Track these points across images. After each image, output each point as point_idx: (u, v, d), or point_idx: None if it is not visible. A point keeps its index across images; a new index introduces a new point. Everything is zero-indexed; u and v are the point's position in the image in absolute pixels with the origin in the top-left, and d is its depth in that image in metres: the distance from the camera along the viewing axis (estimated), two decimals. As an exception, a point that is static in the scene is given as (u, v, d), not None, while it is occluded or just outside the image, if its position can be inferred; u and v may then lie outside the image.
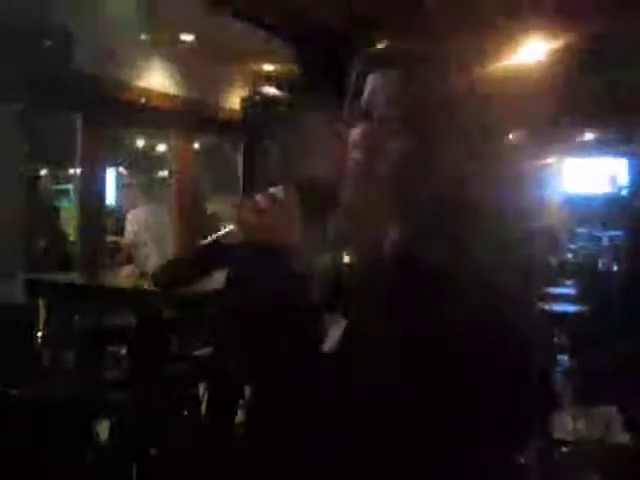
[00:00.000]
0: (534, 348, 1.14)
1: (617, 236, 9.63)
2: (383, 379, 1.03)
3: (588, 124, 10.77)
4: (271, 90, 7.33)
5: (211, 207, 9.91)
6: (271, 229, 1.18)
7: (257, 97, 7.43)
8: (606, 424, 3.16)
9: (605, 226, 10.18)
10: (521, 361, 1.11)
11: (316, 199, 1.28)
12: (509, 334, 1.08)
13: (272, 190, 1.22)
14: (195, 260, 3.41)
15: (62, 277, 5.21)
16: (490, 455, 1.07)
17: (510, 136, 1.23)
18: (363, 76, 1.24)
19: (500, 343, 1.06)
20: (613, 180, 11.86)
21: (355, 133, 1.23)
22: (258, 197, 1.21)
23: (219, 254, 1.32)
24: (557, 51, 5.97)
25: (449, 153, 1.15)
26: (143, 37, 6.03)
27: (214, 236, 1.29)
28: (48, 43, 4.78)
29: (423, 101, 1.17)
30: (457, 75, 1.17)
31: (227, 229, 1.24)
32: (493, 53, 1.25)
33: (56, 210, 7.24)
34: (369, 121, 1.21)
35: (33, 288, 4.73)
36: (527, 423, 1.15)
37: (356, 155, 1.22)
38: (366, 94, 1.23)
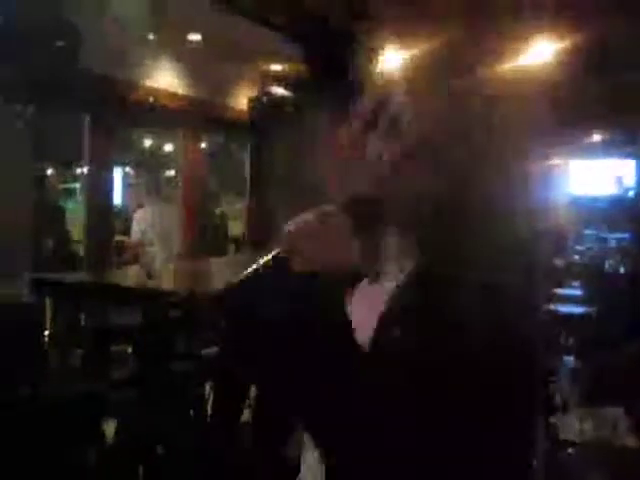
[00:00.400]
0: (539, 350, 1.14)
1: (623, 237, 9.63)
2: (395, 380, 1.04)
3: (594, 125, 10.76)
4: (279, 90, 7.36)
5: (218, 207, 9.94)
6: (324, 256, 1.09)
7: (265, 97, 7.45)
8: (613, 425, 3.15)
9: (611, 227, 10.18)
10: (527, 363, 1.11)
11: (364, 216, 1.15)
12: (515, 336, 1.08)
13: (323, 209, 1.11)
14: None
15: (69, 276, 5.22)
16: (494, 456, 1.07)
17: (517, 138, 1.23)
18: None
19: (505, 345, 1.06)
20: (619, 181, 11.85)
21: (374, 160, 1.22)
22: (308, 217, 1.10)
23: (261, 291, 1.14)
24: (563, 52, 5.96)
25: (464, 169, 1.15)
26: (151, 37, 6.04)
27: (254, 268, 1.11)
28: (57, 43, 4.79)
29: (443, 129, 1.17)
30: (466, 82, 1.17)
31: (268, 257, 1.10)
32: (498, 54, 1.25)
33: (62, 210, 7.25)
34: (389, 143, 1.20)
35: (40, 287, 4.74)
36: (531, 424, 1.15)
37: (370, 187, 1.22)
38: (386, 118, 1.22)
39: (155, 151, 12.32)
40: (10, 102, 4.76)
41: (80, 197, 7.60)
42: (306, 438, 1.23)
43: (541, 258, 1.25)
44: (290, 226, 1.08)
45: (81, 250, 6.50)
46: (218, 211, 9.95)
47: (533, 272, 1.17)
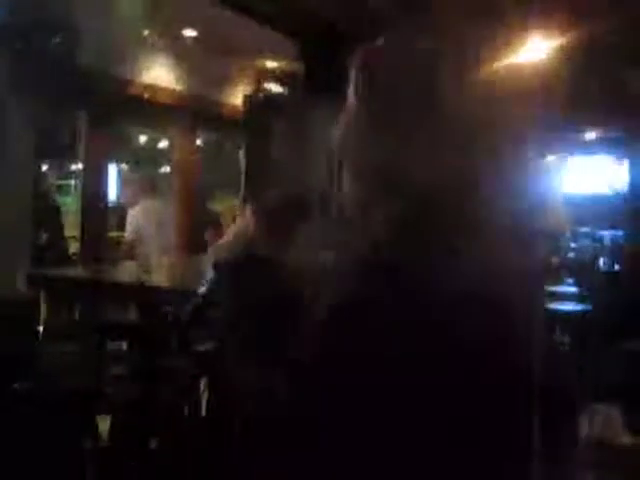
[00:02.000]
0: (538, 350, 1.13)
1: (618, 235, 9.66)
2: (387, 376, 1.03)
3: (590, 123, 10.76)
4: (274, 87, 7.35)
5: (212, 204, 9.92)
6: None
7: (260, 94, 7.44)
8: (609, 423, 3.15)
9: (606, 225, 10.20)
10: (525, 363, 1.11)
11: (285, 213, 1.54)
12: (513, 335, 1.08)
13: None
14: None
15: (64, 272, 5.21)
16: (492, 456, 1.07)
17: (511, 135, 1.22)
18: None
19: (503, 345, 1.06)
20: (614, 179, 11.87)
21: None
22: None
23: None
24: (560, 50, 5.96)
25: (441, 154, 1.14)
26: (147, 33, 6.03)
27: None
28: (55, 40, 4.78)
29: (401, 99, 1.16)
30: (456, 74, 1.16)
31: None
32: (496, 50, 1.24)
33: (57, 205, 7.23)
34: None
35: (35, 283, 4.73)
36: (530, 424, 1.15)
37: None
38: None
39: (150, 147, 12.28)
40: (13, 100, 4.74)
41: (75, 193, 7.58)
42: None
43: (537, 256, 1.25)
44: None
45: (76, 246, 6.49)
46: (212, 208, 9.93)
47: (530, 271, 1.17)
